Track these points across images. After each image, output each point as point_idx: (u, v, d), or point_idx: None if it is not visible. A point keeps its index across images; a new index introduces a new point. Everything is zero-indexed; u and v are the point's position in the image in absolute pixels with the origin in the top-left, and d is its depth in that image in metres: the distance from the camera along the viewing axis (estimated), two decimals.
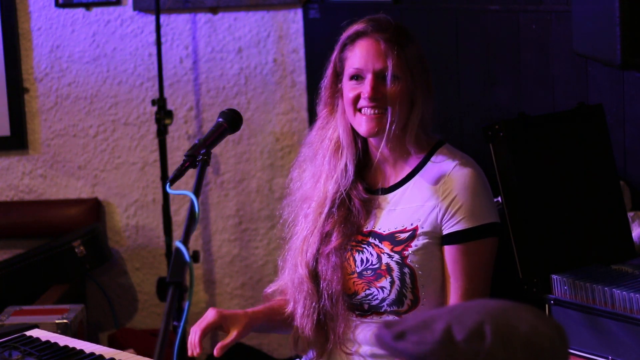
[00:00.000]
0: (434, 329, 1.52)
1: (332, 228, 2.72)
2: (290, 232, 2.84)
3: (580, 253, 2.91)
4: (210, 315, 2.64)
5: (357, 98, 2.68)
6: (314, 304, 2.72)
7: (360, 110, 2.67)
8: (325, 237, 2.73)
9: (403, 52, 2.65)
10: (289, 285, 2.79)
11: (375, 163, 2.76)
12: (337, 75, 2.75)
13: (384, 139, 2.68)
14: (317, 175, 2.77)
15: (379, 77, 2.65)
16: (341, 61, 2.72)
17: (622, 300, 2.57)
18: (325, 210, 2.73)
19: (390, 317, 2.69)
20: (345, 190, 2.72)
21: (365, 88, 2.65)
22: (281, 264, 2.85)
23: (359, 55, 2.67)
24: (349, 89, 2.69)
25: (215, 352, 2.60)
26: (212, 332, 2.98)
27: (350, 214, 2.72)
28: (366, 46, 2.66)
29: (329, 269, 2.70)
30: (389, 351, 1.55)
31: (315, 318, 2.72)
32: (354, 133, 2.74)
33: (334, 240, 2.71)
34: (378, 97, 2.64)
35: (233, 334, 2.65)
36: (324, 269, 2.71)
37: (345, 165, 2.73)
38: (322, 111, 2.80)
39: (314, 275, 2.73)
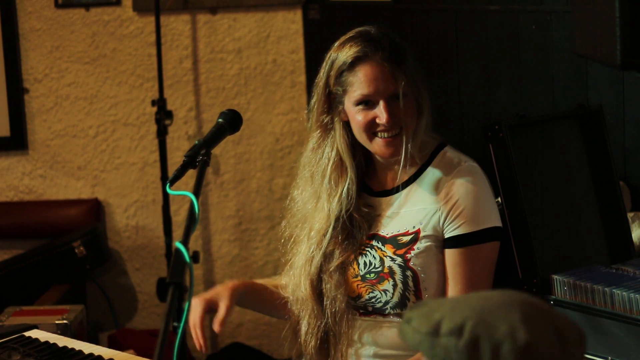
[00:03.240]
0: (431, 318, 1.52)
1: (334, 247, 2.72)
2: (291, 251, 2.83)
3: (580, 253, 2.91)
4: (197, 307, 2.64)
5: (370, 123, 2.63)
6: (318, 322, 2.72)
7: (376, 134, 2.65)
8: (327, 256, 2.72)
9: (407, 66, 2.61)
10: (292, 300, 2.79)
11: (379, 168, 2.76)
12: (331, 96, 2.69)
13: (403, 157, 2.65)
14: (317, 196, 2.75)
15: (390, 100, 2.61)
16: (341, 85, 2.65)
17: (622, 301, 2.58)
18: (329, 231, 2.71)
19: (394, 319, 2.69)
20: (348, 211, 2.71)
21: (382, 114, 2.59)
22: (284, 282, 2.84)
23: (365, 82, 2.60)
24: (357, 114, 2.64)
25: (216, 329, 2.61)
26: (211, 331, 2.99)
27: (352, 231, 2.72)
28: (371, 71, 2.60)
29: (332, 287, 2.70)
30: (400, 330, 1.57)
31: (319, 336, 2.72)
32: (353, 150, 2.72)
33: (336, 258, 2.71)
34: (395, 120, 2.61)
35: (223, 309, 2.65)
36: (328, 287, 2.71)
37: (349, 185, 2.71)
38: (314, 132, 2.75)
39: (318, 294, 2.73)
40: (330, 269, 2.70)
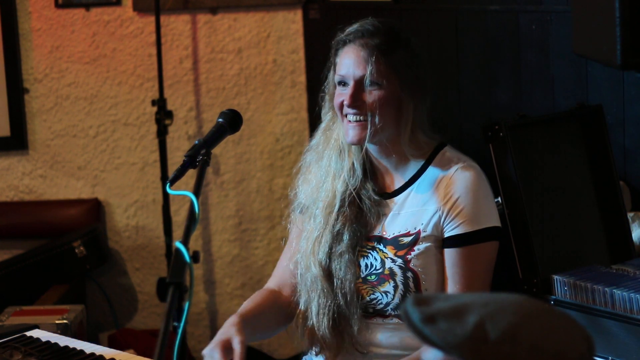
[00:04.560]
0: (466, 321, 1.45)
1: (343, 227, 2.72)
2: (297, 235, 2.83)
3: (580, 253, 2.91)
4: (214, 355, 2.55)
5: (341, 104, 2.70)
6: (328, 302, 2.71)
7: (346, 116, 2.69)
8: (336, 236, 2.73)
9: (385, 58, 2.64)
10: (301, 285, 2.78)
11: (378, 168, 2.77)
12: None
13: (376, 146, 2.70)
14: (324, 176, 2.77)
15: (360, 84, 2.66)
16: (333, 66, 2.75)
17: (622, 301, 2.58)
18: (335, 209, 2.73)
19: (395, 321, 2.69)
20: (354, 189, 2.72)
21: (347, 95, 2.67)
22: (291, 266, 2.82)
23: (343, 63, 2.69)
24: (336, 95, 2.72)
25: None
26: (211, 331, 2.99)
27: (362, 213, 2.73)
28: (349, 53, 2.68)
29: (342, 267, 2.70)
30: (413, 331, 1.49)
31: (331, 317, 2.71)
32: None
33: (346, 240, 2.71)
34: (358, 105, 2.66)
35: (238, 346, 2.53)
36: (337, 267, 2.71)
37: (353, 164, 2.74)
38: (326, 114, 2.81)
39: (328, 274, 2.73)
40: (340, 250, 2.71)
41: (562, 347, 1.46)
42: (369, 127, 2.65)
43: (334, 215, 2.73)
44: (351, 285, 2.68)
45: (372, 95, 2.65)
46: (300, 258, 2.77)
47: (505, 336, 1.44)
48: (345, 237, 2.71)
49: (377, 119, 2.64)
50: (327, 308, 2.71)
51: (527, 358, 1.44)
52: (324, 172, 2.77)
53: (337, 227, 2.72)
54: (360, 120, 2.66)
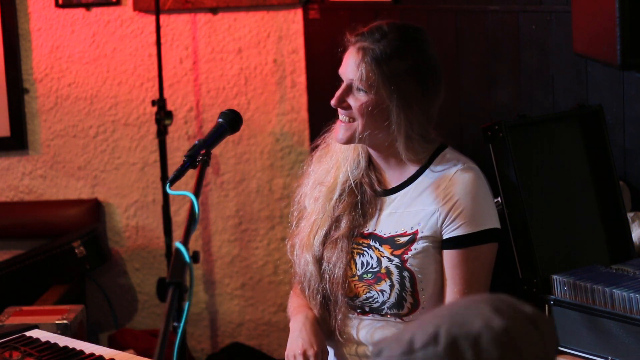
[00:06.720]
0: (402, 340, 1.50)
1: (342, 213, 2.74)
2: (300, 214, 2.86)
3: (580, 253, 2.91)
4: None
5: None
6: (316, 285, 2.74)
7: (338, 115, 2.71)
8: (335, 222, 2.74)
9: (379, 66, 2.62)
10: (296, 266, 2.81)
11: (379, 165, 2.77)
12: None
13: (372, 148, 2.71)
14: (332, 161, 2.80)
15: (348, 86, 2.67)
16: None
17: (622, 301, 2.58)
18: (335, 196, 2.75)
19: (392, 319, 2.70)
20: (354, 180, 2.74)
21: (335, 94, 2.69)
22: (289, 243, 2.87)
23: (343, 62, 2.69)
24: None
25: None
26: (211, 331, 3.02)
27: (361, 202, 2.74)
28: (349, 53, 2.68)
29: (334, 254, 2.72)
30: None
31: (319, 300, 2.74)
32: None
33: (343, 227, 2.73)
34: (344, 106, 2.67)
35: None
36: (330, 253, 2.72)
37: (358, 156, 2.75)
38: None
39: (319, 259, 2.75)
40: (336, 237, 2.72)
41: (479, 329, 1.47)
42: (357, 130, 2.67)
43: (332, 202, 2.75)
44: (339, 272, 2.70)
45: (357, 100, 2.65)
46: (298, 239, 2.80)
47: (428, 340, 1.47)
48: (344, 224, 2.73)
49: (360, 124, 2.65)
50: (314, 291, 2.75)
51: (447, 353, 1.46)
52: (334, 158, 2.80)
53: (337, 213, 2.75)
54: (348, 121, 2.67)
